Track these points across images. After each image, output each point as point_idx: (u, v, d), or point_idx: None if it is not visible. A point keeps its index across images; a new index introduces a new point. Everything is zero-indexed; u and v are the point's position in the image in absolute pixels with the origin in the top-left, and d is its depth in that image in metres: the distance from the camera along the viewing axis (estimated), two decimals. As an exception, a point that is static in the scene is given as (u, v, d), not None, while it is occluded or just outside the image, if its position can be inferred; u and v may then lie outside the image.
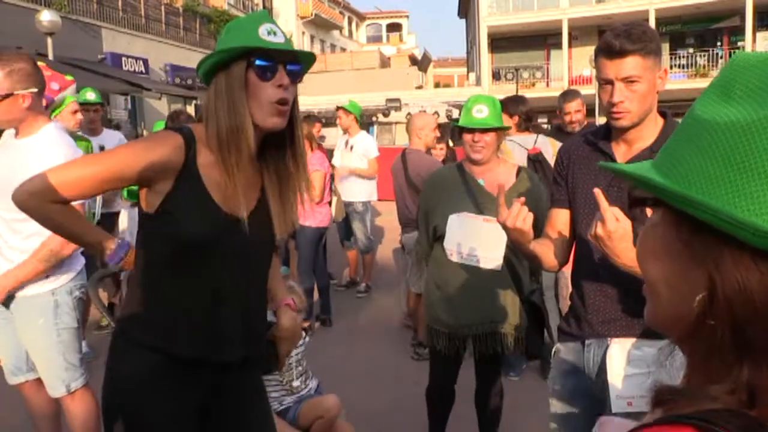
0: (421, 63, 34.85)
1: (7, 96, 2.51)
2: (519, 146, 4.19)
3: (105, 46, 17.59)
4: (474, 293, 2.72)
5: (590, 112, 23.10)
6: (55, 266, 2.65)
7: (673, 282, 0.64)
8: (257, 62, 1.55)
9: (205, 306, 1.63)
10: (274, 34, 1.58)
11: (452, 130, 2.56)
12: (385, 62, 36.75)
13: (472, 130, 2.72)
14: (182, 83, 19.92)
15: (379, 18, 51.88)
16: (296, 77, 1.61)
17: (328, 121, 6.77)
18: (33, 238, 2.55)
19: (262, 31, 1.56)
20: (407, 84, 28.47)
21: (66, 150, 2.57)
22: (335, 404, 3.12)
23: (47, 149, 2.54)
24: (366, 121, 9.83)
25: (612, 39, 1.75)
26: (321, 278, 5.77)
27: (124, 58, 17.95)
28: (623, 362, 1.81)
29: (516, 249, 2.00)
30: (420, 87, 29.70)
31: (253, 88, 1.56)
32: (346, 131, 6.66)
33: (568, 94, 4.88)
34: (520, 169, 2.85)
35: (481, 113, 2.70)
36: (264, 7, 31.46)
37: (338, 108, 6.63)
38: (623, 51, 1.73)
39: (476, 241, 2.66)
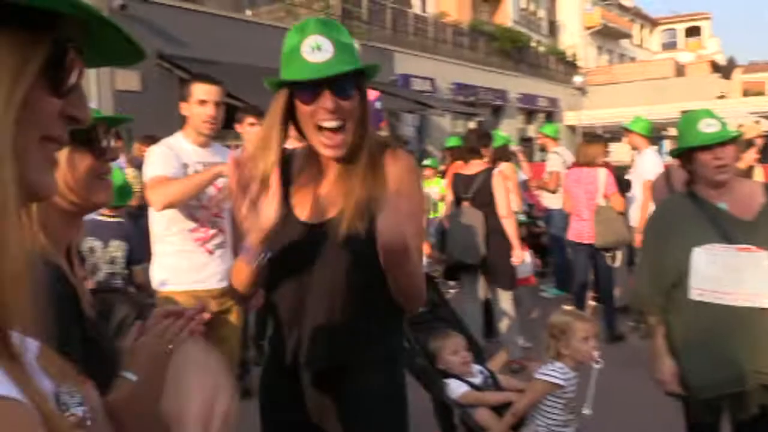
0: (724, 69, 31.43)
1: None
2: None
3: (397, 68, 19.02)
4: (737, 339, 2.28)
5: None
6: None
7: None
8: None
9: (290, 314, 1.65)
10: (319, 48, 1.50)
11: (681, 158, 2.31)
12: (680, 70, 33.74)
13: (709, 147, 2.34)
14: (464, 101, 20.60)
15: (675, 22, 48.04)
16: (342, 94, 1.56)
17: (614, 136, 6.34)
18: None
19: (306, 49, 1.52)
20: (707, 93, 25.71)
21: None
22: None
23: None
24: (655, 135, 9.11)
25: None
26: None
27: (411, 78, 19.19)
28: None
29: None
30: (722, 96, 26.63)
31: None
32: (635, 148, 6.37)
33: None
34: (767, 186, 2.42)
35: (712, 127, 2.36)
36: (549, 21, 31.13)
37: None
38: None
39: (733, 275, 2.28)
